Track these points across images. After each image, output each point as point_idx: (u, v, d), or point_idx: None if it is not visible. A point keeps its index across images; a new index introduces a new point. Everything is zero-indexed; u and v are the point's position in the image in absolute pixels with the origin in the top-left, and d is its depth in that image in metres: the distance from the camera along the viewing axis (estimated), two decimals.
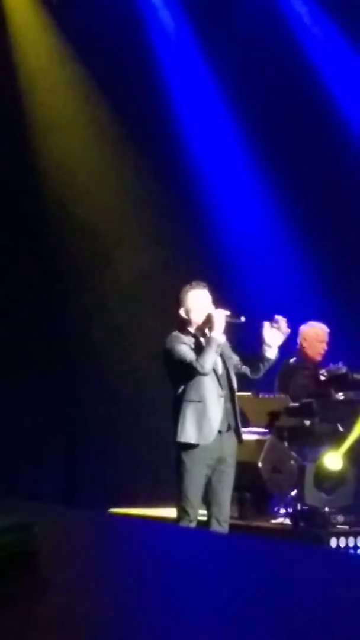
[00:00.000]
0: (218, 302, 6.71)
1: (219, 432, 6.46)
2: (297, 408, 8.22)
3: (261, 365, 6.77)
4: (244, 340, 6.94)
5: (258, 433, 8.33)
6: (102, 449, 9.91)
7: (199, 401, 6.44)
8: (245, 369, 6.74)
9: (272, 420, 8.29)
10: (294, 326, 8.77)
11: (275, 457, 8.29)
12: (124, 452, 9.86)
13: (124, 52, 10.14)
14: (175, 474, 6.55)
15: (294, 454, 8.31)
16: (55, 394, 9.73)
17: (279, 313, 8.64)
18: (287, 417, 8.29)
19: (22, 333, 9.75)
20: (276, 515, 8.45)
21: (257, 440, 8.25)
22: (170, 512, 6.84)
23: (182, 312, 6.59)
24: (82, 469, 10.12)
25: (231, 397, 6.57)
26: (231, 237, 10.44)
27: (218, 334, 6.45)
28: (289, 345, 8.73)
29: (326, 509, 8.01)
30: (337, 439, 8.16)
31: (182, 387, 6.49)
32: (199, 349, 6.45)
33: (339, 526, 7.97)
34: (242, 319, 6.63)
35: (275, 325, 6.69)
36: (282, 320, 6.73)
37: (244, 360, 6.75)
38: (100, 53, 10.16)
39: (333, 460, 8.07)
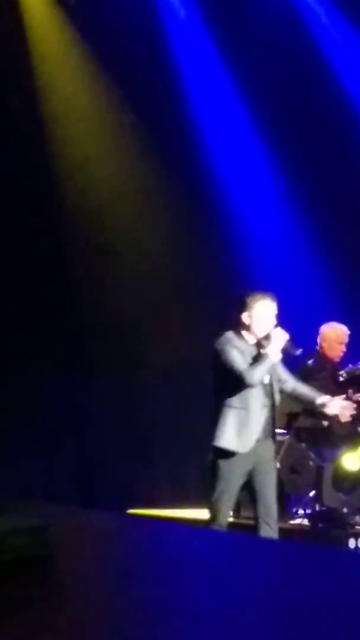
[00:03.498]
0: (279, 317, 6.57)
1: (257, 440, 6.38)
2: None
3: (299, 399, 6.87)
4: None
5: (276, 434, 8.30)
6: (119, 449, 9.90)
7: (242, 408, 6.30)
8: (282, 384, 6.55)
9: (290, 421, 8.27)
10: (313, 327, 8.75)
11: (294, 458, 8.27)
12: (142, 452, 9.85)
13: (141, 49, 10.13)
14: (211, 478, 6.38)
15: (312, 454, 8.28)
16: (71, 394, 9.72)
17: (299, 313, 8.59)
18: (305, 418, 8.26)
19: (38, 333, 9.74)
20: (294, 516, 8.42)
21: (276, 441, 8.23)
22: (189, 513, 6.81)
23: (245, 316, 6.35)
24: (100, 469, 10.11)
25: (272, 406, 6.46)
26: (250, 235, 10.39)
27: (275, 354, 6.35)
28: (308, 346, 8.71)
29: (344, 510, 7.98)
30: (355, 439, 8.13)
31: (226, 392, 6.33)
32: (249, 358, 6.31)
33: (357, 527, 7.94)
34: (299, 352, 6.54)
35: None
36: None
37: (290, 378, 6.67)
38: (116, 51, 10.15)
39: (351, 460, 8.04)
